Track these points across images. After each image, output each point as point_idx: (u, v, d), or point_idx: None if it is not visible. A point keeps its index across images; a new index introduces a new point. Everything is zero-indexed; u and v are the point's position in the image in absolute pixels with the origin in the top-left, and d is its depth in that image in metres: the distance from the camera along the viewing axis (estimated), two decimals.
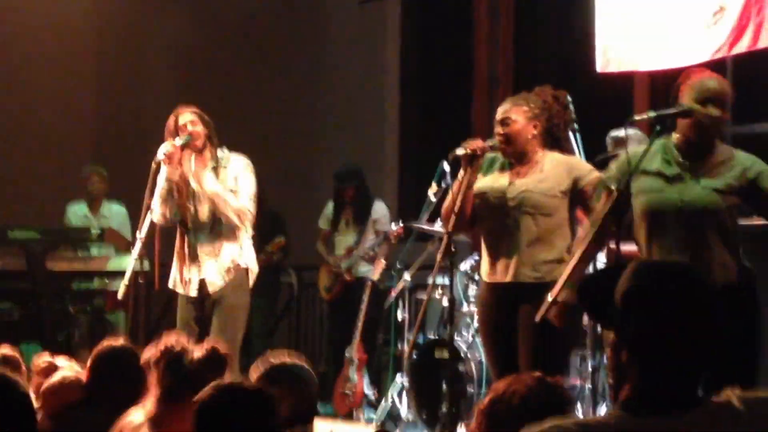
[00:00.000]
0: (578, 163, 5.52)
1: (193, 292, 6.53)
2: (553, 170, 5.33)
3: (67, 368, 4.39)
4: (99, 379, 4.18)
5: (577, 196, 5.32)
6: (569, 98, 5.50)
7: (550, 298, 4.54)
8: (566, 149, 5.57)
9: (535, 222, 5.28)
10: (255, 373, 3.92)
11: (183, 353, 3.86)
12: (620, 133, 6.76)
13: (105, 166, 9.72)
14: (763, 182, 4.70)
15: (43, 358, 4.71)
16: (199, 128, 6.55)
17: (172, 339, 3.92)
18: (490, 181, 5.40)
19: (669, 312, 2.42)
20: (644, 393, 2.41)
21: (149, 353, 3.92)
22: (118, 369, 4.15)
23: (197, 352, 3.90)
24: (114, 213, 9.45)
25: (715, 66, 6.58)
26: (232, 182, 6.55)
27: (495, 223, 5.36)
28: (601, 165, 6.75)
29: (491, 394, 2.98)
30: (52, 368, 4.56)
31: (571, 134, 5.80)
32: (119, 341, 4.35)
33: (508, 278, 5.30)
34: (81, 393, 4.18)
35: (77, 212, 9.51)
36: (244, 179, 6.58)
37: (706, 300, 2.45)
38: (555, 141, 5.42)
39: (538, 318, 4.58)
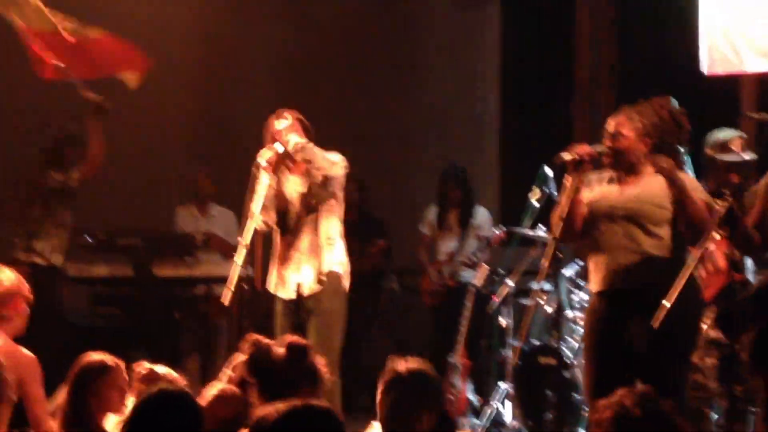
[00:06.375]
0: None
1: (291, 295, 6.55)
2: (659, 182, 5.24)
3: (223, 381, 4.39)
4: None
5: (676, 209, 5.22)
6: (684, 116, 5.36)
7: (667, 303, 4.49)
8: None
9: (644, 232, 5.20)
10: (381, 384, 3.83)
11: (268, 353, 3.85)
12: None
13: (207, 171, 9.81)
14: None
15: (143, 366, 4.73)
16: (298, 132, 6.60)
17: (250, 344, 3.91)
18: (599, 191, 5.33)
19: None
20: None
21: (238, 369, 3.92)
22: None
23: (279, 349, 3.88)
24: (223, 215, 9.52)
25: None
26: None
27: (605, 233, 5.29)
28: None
29: (613, 410, 2.89)
30: (153, 376, 4.58)
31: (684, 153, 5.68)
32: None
33: (619, 285, 5.23)
34: (239, 407, 4.17)
35: (186, 214, 9.60)
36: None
37: None
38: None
39: (656, 324, 4.52)
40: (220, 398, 4.22)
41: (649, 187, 5.25)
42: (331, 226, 6.59)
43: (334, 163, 6.51)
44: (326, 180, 6.51)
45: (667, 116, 5.31)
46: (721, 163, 6.28)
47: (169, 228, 9.53)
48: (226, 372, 4.52)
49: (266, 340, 3.95)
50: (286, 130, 6.57)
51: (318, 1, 11.27)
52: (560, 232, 5.21)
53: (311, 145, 6.52)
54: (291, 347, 3.89)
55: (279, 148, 6.52)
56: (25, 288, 5.14)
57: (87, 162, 8.28)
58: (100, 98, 8.08)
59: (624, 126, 5.30)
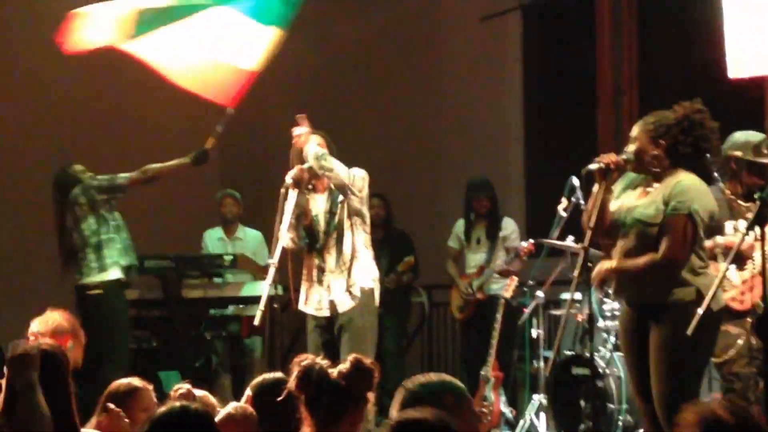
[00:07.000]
0: (680, 190, 5.23)
1: (324, 312, 6.57)
2: (660, 194, 5.24)
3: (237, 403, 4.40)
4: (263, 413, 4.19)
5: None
6: (701, 113, 5.32)
7: (700, 311, 4.47)
8: (696, 168, 5.38)
9: (642, 247, 5.19)
10: (396, 400, 3.85)
11: (325, 373, 3.83)
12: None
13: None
14: None
15: (182, 386, 4.74)
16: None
17: (307, 361, 3.89)
18: (623, 200, 5.33)
19: None
20: None
21: (291, 383, 3.90)
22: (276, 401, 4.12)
23: (341, 366, 3.87)
24: (250, 237, 9.52)
25: None
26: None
27: (618, 243, 5.31)
28: None
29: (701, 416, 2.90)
30: (190, 396, 4.59)
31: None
32: (276, 374, 4.35)
33: (633, 298, 5.27)
34: (251, 427, 4.17)
35: (213, 237, 9.60)
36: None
37: None
38: (682, 159, 5.27)
39: (689, 332, 4.52)
40: (230, 418, 4.21)
41: (648, 201, 5.24)
42: (357, 239, 6.60)
43: (354, 175, 6.54)
44: (345, 189, 6.53)
45: (683, 116, 5.29)
46: (760, 166, 6.13)
47: (197, 250, 9.55)
48: (246, 392, 4.52)
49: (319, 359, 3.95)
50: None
51: (341, 20, 11.29)
52: (588, 240, 5.21)
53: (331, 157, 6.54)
54: (357, 363, 3.87)
55: (305, 167, 6.54)
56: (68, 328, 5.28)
57: (142, 173, 7.95)
58: (212, 149, 7.90)
59: (638, 128, 5.34)
